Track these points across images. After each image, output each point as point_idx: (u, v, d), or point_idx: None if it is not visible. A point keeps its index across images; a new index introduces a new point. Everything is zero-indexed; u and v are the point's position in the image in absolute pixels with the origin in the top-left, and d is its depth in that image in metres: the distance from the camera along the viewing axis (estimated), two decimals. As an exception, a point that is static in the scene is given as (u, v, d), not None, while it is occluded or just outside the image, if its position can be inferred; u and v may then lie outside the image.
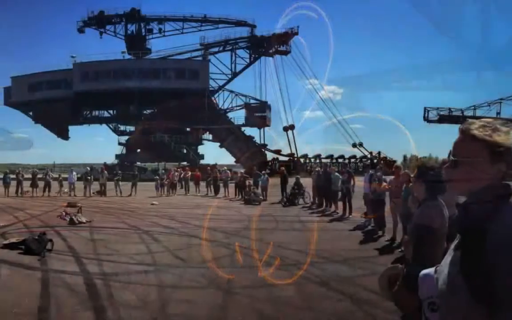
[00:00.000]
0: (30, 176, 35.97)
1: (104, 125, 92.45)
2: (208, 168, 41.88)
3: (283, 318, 7.15)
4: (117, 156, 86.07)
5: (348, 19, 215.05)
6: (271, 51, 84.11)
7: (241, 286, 8.90)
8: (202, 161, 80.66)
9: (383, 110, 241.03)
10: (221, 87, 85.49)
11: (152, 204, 27.14)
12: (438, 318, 2.10)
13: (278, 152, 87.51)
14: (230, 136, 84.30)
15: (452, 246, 2.10)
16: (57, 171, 62.97)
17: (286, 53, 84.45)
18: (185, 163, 74.80)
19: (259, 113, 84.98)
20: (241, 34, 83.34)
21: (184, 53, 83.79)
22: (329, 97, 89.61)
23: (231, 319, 7.16)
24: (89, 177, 34.11)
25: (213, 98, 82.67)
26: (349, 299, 8.10)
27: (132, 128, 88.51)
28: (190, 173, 39.04)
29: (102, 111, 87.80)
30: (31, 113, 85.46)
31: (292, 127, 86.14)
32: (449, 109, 78.26)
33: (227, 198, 32.34)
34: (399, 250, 12.04)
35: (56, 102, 78.62)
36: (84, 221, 18.15)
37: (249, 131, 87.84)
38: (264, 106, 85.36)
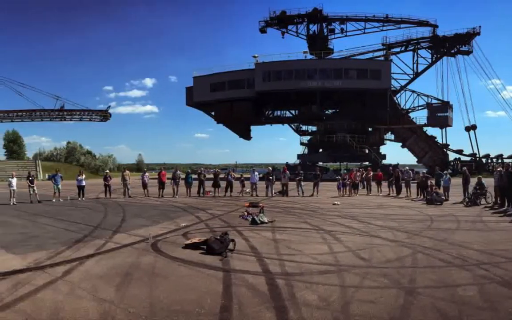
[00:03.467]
0: (212, 176, 37.51)
1: (286, 125, 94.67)
2: (390, 168, 41.37)
3: (464, 318, 6.95)
4: (299, 156, 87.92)
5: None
6: (453, 51, 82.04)
7: (424, 286, 8.76)
8: (384, 161, 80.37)
9: None
10: (403, 87, 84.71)
11: (334, 204, 27.23)
12: None
13: (460, 152, 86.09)
14: (412, 136, 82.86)
15: None
16: (239, 171, 65.08)
17: (467, 53, 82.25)
18: (367, 163, 74.81)
19: (441, 113, 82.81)
20: (423, 34, 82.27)
21: (366, 53, 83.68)
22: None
23: None
24: (271, 177, 34.81)
25: (395, 98, 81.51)
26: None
27: (314, 128, 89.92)
28: (372, 173, 38.80)
29: (284, 111, 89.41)
30: (213, 113, 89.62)
31: (474, 127, 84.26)
32: None
33: (409, 198, 31.85)
34: None
35: (237, 102, 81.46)
36: (266, 221, 18.43)
37: (431, 130, 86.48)
38: (446, 106, 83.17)
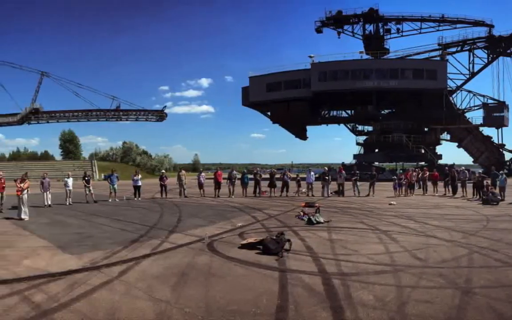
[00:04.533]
0: (268, 176, 37.66)
1: (341, 125, 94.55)
2: (446, 168, 40.91)
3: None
4: (355, 156, 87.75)
5: None
6: (509, 51, 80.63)
7: (480, 286, 8.72)
8: (440, 161, 79.26)
9: None
10: (459, 87, 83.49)
11: (390, 204, 27.11)
12: None
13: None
14: (468, 136, 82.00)
15: None
16: (295, 171, 65.12)
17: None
18: (423, 163, 74.05)
19: (497, 113, 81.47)
20: (479, 34, 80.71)
21: (421, 53, 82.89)
22: None
23: (469, 320, 7.02)
24: (327, 177, 34.63)
25: (451, 98, 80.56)
26: None
27: (370, 128, 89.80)
28: (428, 173, 38.36)
29: (340, 111, 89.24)
30: (269, 113, 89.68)
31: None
32: None
33: (465, 198, 31.45)
34: None
35: (294, 102, 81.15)
36: (322, 221, 18.39)
37: (487, 130, 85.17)
38: (502, 106, 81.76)
